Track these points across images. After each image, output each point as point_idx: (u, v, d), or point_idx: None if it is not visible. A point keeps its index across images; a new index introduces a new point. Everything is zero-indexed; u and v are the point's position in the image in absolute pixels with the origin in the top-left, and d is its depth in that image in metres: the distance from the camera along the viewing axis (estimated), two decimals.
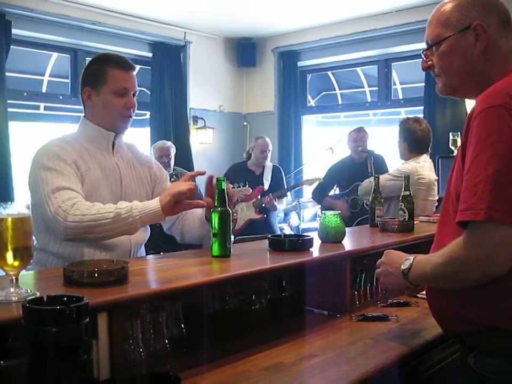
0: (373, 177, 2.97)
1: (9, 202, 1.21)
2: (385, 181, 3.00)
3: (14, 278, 1.21)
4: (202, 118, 6.64)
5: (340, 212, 2.16)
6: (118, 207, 1.76)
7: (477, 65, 1.37)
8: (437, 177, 3.53)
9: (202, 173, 1.96)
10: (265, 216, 4.93)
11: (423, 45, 5.20)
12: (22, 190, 5.25)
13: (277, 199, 4.91)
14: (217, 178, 1.71)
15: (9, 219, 1.18)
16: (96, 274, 1.34)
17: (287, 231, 5.85)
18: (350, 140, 4.60)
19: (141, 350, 1.34)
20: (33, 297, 1.08)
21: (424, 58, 1.49)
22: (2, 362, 1.01)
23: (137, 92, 2.05)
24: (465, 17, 1.36)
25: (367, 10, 5.92)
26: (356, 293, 2.04)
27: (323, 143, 6.46)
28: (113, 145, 2.04)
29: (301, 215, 6.27)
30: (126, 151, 2.12)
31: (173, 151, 4.81)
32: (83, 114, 2.10)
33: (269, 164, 5.19)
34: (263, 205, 4.87)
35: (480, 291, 1.26)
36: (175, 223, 2.11)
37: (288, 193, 5.39)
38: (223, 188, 1.69)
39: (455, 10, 1.38)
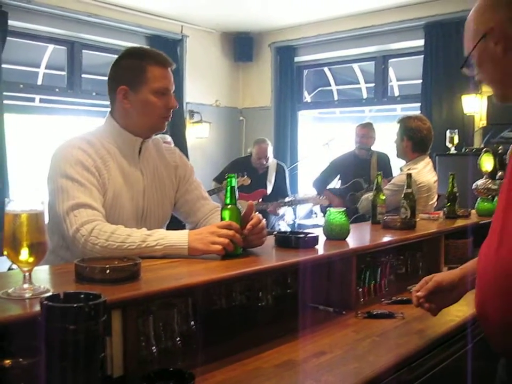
0: (369, 194, 2.95)
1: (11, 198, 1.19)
2: (386, 197, 2.93)
3: (27, 274, 1.20)
4: (198, 112, 6.62)
5: (344, 208, 2.16)
6: (143, 240, 1.63)
7: (506, 66, 1.34)
8: (436, 178, 3.44)
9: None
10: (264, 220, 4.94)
11: (420, 42, 5.28)
12: (17, 182, 5.23)
13: (280, 207, 4.92)
14: (228, 174, 1.68)
15: (23, 215, 1.17)
16: (108, 271, 1.34)
17: (283, 227, 5.85)
18: (355, 134, 4.60)
19: (153, 347, 1.34)
20: (50, 294, 1.07)
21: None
22: (21, 360, 1.00)
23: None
24: (480, 25, 1.35)
25: (365, 7, 5.92)
26: (360, 290, 2.05)
27: (319, 139, 6.48)
28: (139, 150, 1.90)
29: (296, 211, 6.28)
30: (152, 152, 1.97)
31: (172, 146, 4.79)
32: (109, 110, 1.93)
33: (273, 163, 5.17)
34: (267, 210, 4.87)
35: None
36: (197, 226, 2.02)
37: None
38: (233, 184, 1.67)
39: (472, 22, 1.37)
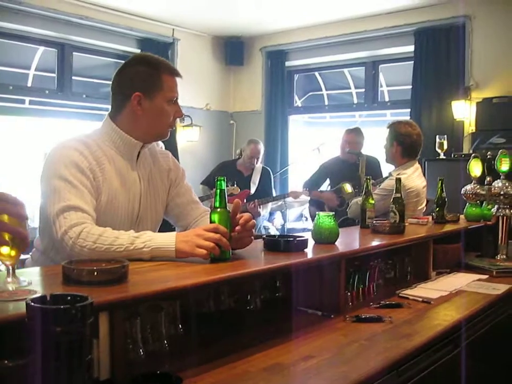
0: (358, 199, 2.96)
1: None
2: (375, 202, 2.90)
3: (10, 267, 1.19)
4: (189, 116, 6.61)
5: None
6: (130, 242, 1.61)
7: None
8: (425, 183, 3.47)
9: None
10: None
11: (410, 48, 5.32)
12: (5, 183, 5.19)
13: (261, 206, 4.95)
14: (217, 178, 1.67)
15: None
16: (95, 273, 1.33)
17: (272, 230, 5.86)
18: (342, 140, 4.62)
19: (140, 349, 1.34)
20: (37, 295, 1.06)
21: None
22: (6, 362, 0.99)
23: None
24: None
25: (356, 12, 5.95)
26: (349, 293, 2.05)
27: (309, 144, 6.49)
28: (137, 155, 1.91)
29: (286, 215, 6.28)
30: (147, 156, 1.98)
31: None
32: (107, 113, 1.93)
33: (258, 166, 5.21)
34: (247, 210, 4.88)
35: None
36: (186, 230, 1.96)
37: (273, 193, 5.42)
38: (222, 188, 1.66)
39: None
